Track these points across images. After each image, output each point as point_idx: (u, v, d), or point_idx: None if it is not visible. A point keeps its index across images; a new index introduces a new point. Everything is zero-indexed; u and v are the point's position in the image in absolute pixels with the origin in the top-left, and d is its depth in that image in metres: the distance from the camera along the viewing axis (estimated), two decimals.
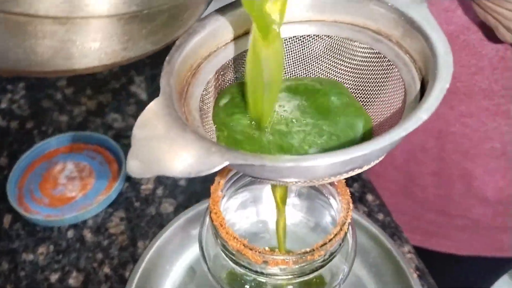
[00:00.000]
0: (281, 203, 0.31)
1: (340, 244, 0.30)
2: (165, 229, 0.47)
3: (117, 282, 0.46)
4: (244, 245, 0.28)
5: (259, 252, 0.27)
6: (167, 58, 0.24)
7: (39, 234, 0.50)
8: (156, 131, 0.20)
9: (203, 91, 0.26)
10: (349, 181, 0.56)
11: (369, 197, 0.54)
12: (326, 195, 0.34)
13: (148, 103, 0.21)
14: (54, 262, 0.48)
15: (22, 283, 0.47)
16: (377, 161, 0.23)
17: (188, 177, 0.40)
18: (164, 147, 0.19)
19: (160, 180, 0.55)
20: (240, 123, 0.25)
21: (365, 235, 0.48)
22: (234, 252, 0.29)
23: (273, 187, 0.30)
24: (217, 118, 0.26)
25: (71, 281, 0.47)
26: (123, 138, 0.60)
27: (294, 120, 0.26)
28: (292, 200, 0.37)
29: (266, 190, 0.38)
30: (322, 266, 0.29)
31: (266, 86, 0.23)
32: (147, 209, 0.53)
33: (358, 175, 0.55)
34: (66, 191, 0.54)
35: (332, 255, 0.30)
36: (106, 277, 0.47)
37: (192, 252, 0.47)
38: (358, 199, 0.54)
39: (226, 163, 0.19)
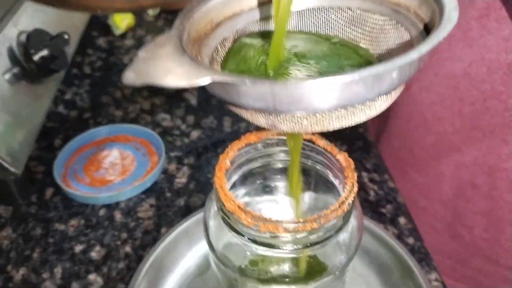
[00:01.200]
0: (295, 151, 0.30)
1: (338, 227, 0.29)
2: (187, 218, 0.48)
3: (135, 261, 0.47)
4: (239, 206, 0.28)
5: (252, 215, 0.27)
6: (189, 4, 0.26)
7: (74, 209, 0.53)
8: (157, 54, 0.21)
9: (218, 45, 0.27)
10: (383, 202, 0.54)
11: (402, 220, 0.52)
12: (332, 180, 0.33)
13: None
14: (82, 235, 0.50)
15: (49, 249, 0.49)
16: (398, 88, 0.23)
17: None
18: (160, 64, 0.21)
19: (194, 175, 0.57)
20: (248, 61, 0.26)
21: (389, 253, 0.45)
22: (230, 216, 0.29)
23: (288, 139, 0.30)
24: (226, 62, 0.27)
25: (93, 254, 0.48)
26: (168, 135, 0.62)
27: (304, 59, 0.26)
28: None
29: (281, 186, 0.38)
30: (317, 243, 0.29)
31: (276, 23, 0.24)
32: (177, 200, 0.54)
33: (394, 197, 0.54)
34: (107, 174, 0.57)
35: (328, 234, 0.29)
36: (125, 255, 0.48)
37: None
38: (389, 221, 0.52)
39: (212, 77, 0.19)
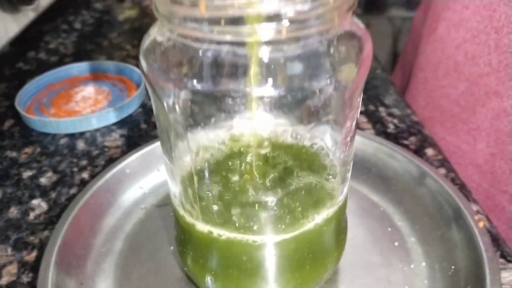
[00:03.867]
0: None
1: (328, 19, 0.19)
2: (156, 140, 0.39)
3: None
4: None
5: None
6: None
7: (32, 138, 0.45)
8: None
9: None
10: (405, 134, 0.43)
11: (429, 151, 0.41)
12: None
13: None
14: (34, 162, 0.42)
15: None
16: None
17: None
18: None
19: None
20: None
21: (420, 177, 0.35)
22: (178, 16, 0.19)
23: None
24: None
25: (42, 180, 0.39)
26: None
27: None
28: None
29: None
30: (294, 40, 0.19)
31: None
32: (153, 131, 0.45)
33: (419, 130, 0.43)
34: (76, 107, 0.49)
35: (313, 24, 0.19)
36: (80, 181, 0.39)
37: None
38: (414, 153, 0.41)
39: None
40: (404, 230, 0.33)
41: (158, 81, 0.22)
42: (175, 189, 0.27)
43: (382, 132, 0.44)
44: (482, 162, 0.54)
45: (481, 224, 0.30)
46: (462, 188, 0.37)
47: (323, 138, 0.25)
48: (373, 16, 1.63)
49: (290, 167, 0.25)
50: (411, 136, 0.43)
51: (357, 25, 0.22)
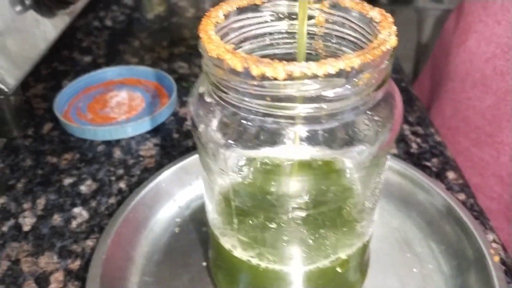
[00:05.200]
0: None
1: (371, 84, 0.21)
2: (190, 154, 0.41)
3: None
4: (225, 48, 0.20)
5: (242, 56, 0.20)
6: None
7: (70, 143, 0.47)
8: None
9: None
10: (427, 155, 0.45)
11: (450, 174, 0.43)
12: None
13: None
14: (74, 169, 0.44)
15: (35, 180, 0.43)
16: None
17: None
18: None
19: None
20: None
21: (438, 202, 0.37)
22: (214, 63, 0.21)
23: None
24: None
25: (82, 187, 0.42)
26: (183, 81, 0.56)
27: None
28: None
29: None
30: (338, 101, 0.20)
31: None
32: (185, 141, 0.47)
33: (441, 151, 0.45)
34: (112, 112, 0.51)
35: (359, 89, 0.20)
36: (119, 191, 0.42)
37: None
38: (435, 175, 0.43)
39: None
40: (423, 256, 0.35)
41: (205, 139, 0.24)
42: (214, 215, 0.29)
43: (405, 152, 0.45)
44: (505, 174, 0.55)
45: (496, 258, 0.32)
46: (480, 215, 0.39)
47: (353, 188, 0.27)
48: (399, 6, 1.62)
49: (325, 211, 0.27)
50: (433, 157, 0.45)
51: (390, 83, 0.24)
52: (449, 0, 1.48)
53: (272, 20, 0.26)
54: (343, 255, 0.28)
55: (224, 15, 0.24)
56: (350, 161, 0.23)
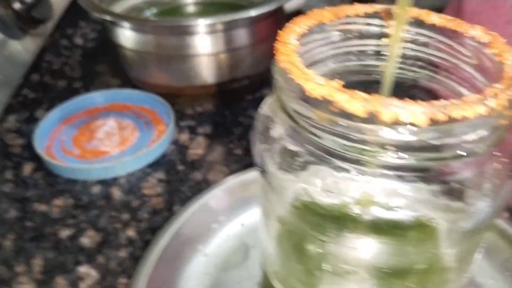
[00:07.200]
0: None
1: (487, 130, 0.17)
2: (209, 190, 0.36)
3: (141, 249, 0.35)
4: (334, 87, 0.16)
5: (364, 99, 0.15)
6: None
7: (60, 186, 0.41)
8: None
9: None
10: None
11: None
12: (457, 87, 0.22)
13: None
14: (69, 217, 0.38)
15: (27, 235, 0.37)
16: None
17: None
18: None
19: (212, 146, 0.45)
20: None
21: None
22: (312, 104, 0.17)
23: None
24: None
25: (84, 240, 0.36)
26: (174, 102, 0.51)
27: None
28: None
29: None
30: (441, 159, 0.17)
31: None
32: (192, 173, 0.42)
33: None
34: (102, 145, 0.45)
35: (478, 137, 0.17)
36: (128, 241, 0.36)
37: (241, 218, 0.35)
38: None
39: None
40: None
41: (275, 177, 0.20)
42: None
43: None
44: None
45: None
46: None
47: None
48: None
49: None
50: None
51: None
52: (449, 1, 1.50)
53: (343, 39, 0.22)
54: None
55: (297, 39, 0.19)
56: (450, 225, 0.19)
